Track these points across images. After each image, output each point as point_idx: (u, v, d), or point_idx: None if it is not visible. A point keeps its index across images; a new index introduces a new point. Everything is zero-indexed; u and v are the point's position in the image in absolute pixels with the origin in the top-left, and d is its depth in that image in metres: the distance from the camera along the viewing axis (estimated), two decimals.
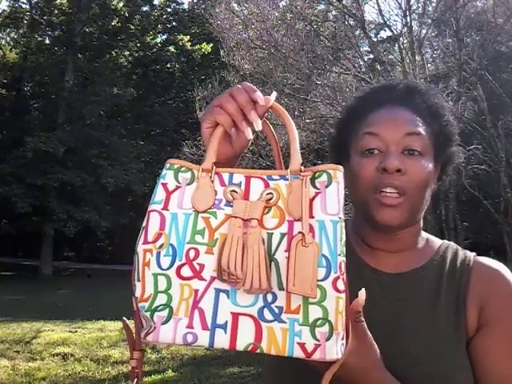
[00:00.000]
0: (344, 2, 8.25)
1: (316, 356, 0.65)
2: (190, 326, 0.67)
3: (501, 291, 0.92)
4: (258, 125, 0.74)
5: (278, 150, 0.79)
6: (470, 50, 7.47)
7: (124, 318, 0.72)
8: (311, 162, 8.46)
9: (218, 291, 0.67)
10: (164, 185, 0.73)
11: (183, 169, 0.74)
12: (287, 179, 0.71)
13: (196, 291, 0.68)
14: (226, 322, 0.66)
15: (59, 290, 15.34)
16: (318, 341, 0.65)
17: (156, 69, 25.97)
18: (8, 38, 25.14)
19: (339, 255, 0.67)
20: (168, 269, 0.69)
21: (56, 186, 20.08)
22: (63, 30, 23.40)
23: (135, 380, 0.72)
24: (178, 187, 0.73)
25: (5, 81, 23.85)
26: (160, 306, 0.68)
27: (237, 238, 0.67)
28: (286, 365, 0.84)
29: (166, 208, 0.72)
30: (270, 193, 0.71)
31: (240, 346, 0.66)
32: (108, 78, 22.84)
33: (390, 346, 0.78)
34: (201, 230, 0.70)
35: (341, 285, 0.66)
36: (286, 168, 0.73)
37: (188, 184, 0.73)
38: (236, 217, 0.68)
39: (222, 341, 0.66)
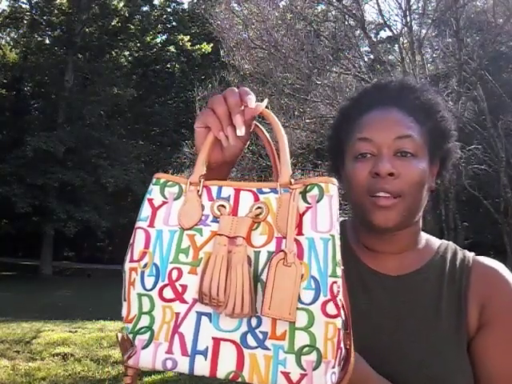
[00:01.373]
0: (344, 2, 8.25)
1: None
2: (169, 351, 0.64)
3: (501, 291, 0.92)
4: (241, 130, 0.71)
5: (275, 155, 0.76)
6: (469, 50, 7.48)
7: (118, 333, 0.69)
8: (311, 162, 8.47)
9: (199, 314, 0.65)
10: (150, 200, 0.71)
11: (170, 183, 0.71)
12: (277, 192, 0.67)
13: (177, 314, 0.65)
14: (207, 347, 0.63)
15: (59, 290, 15.34)
16: (305, 370, 0.61)
17: (156, 69, 25.97)
18: (8, 38, 25.13)
19: (330, 276, 0.62)
20: (151, 289, 0.66)
21: (56, 185, 20.07)
22: (63, 30, 23.39)
23: None
24: (164, 202, 0.70)
25: (5, 81, 23.84)
26: (142, 328, 0.66)
27: (221, 258, 0.63)
28: None
29: (151, 225, 0.69)
30: (260, 207, 0.67)
31: (221, 374, 0.63)
32: (108, 78, 22.83)
33: (393, 349, 0.79)
34: (185, 248, 0.67)
35: (331, 309, 0.61)
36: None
37: (175, 199, 0.70)
38: (221, 234, 0.65)
39: (202, 368, 0.63)
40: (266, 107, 0.73)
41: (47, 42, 24.34)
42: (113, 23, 24.14)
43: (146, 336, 0.66)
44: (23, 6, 24.14)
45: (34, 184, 19.23)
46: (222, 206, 0.68)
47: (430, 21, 7.93)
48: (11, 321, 8.78)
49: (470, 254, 0.99)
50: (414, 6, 7.98)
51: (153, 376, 5.81)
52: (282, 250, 0.63)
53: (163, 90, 25.17)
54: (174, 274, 0.66)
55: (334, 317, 0.61)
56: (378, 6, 8.09)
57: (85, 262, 25.31)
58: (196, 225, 0.68)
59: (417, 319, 0.91)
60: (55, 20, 23.41)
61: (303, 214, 0.66)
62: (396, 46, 8.94)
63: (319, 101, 7.56)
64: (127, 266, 0.68)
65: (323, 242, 0.64)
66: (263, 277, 0.63)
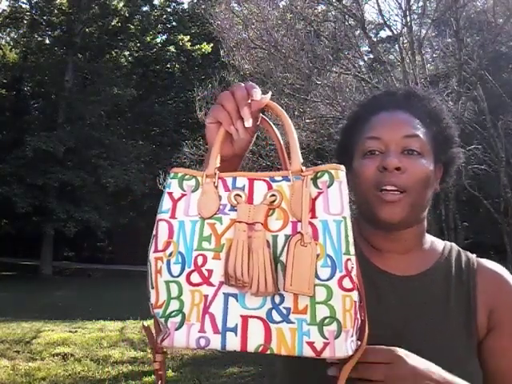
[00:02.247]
0: (344, 2, 8.25)
1: (326, 354, 0.67)
2: (202, 330, 0.69)
3: (508, 294, 0.95)
4: (249, 121, 0.75)
5: (282, 148, 0.79)
6: (469, 50, 7.47)
7: (143, 322, 0.75)
8: (311, 162, 8.45)
9: (226, 295, 0.70)
10: (170, 194, 0.75)
11: (187, 176, 0.76)
12: (289, 180, 0.72)
13: (206, 296, 0.70)
14: (236, 325, 0.68)
15: (59, 290, 15.33)
16: (327, 339, 0.67)
17: (156, 69, 25.96)
18: (8, 38, 25.11)
19: (344, 254, 0.68)
20: (178, 276, 0.71)
21: (56, 185, 20.07)
22: (63, 30, 23.38)
23: (159, 382, 0.76)
24: (183, 195, 0.75)
25: (5, 81, 23.83)
26: (173, 311, 0.71)
27: (242, 243, 0.68)
28: (303, 368, 0.87)
29: (173, 216, 0.74)
30: (273, 195, 0.72)
31: (251, 347, 0.68)
32: (108, 78, 22.81)
33: (403, 349, 0.79)
34: (207, 236, 0.72)
35: (347, 283, 0.67)
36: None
37: (193, 191, 0.75)
38: (240, 221, 0.70)
39: (233, 343, 0.68)
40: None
41: (47, 41, 24.32)
42: (113, 23, 24.13)
43: (178, 318, 0.70)
44: (23, 5, 24.15)
45: (34, 184, 19.22)
46: (238, 195, 0.72)
47: (429, 21, 7.92)
48: (11, 321, 8.79)
49: (473, 256, 1.01)
50: (414, 6, 7.98)
51: (153, 376, 5.81)
52: (299, 232, 0.68)
53: (163, 89, 25.16)
54: (200, 260, 0.71)
55: (350, 290, 0.67)
56: (378, 6, 8.08)
57: (85, 262, 25.30)
58: (215, 214, 0.72)
59: (425, 320, 0.92)
60: (55, 20, 23.40)
61: (315, 198, 0.71)
62: (396, 46, 8.94)
63: (319, 101, 7.56)
64: (152, 256, 0.73)
65: (336, 223, 0.69)
66: (282, 258, 0.69)
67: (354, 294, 0.67)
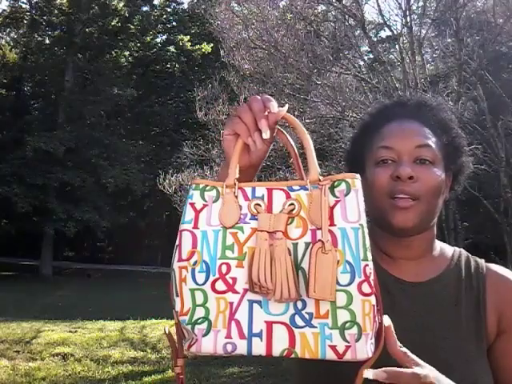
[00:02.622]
0: (344, 2, 8.24)
1: (347, 357, 0.70)
2: (228, 336, 0.72)
3: None
4: (267, 133, 0.78)
5: (298, 158, 0.83)
6: (470, 50, 7.46)
7: (166, 328, 0.78)
8: None
9: (251, 302, 0.72)
10: (192, 204, 0.77)
11: (208, 187, 0.78)
12: (307, 189, 0.75)
13: (231, 304, 0.72)
14: (261, 330, 0.71)
15: (59, 290, 15.33)
16: (348, 342, 0.70)
17: (156, 69, 25.96)
18: (8, 38, 25.10)
19: (362, 260, 0.71)
20: (203, 284, 0.73)
21: (56, 185, 20.07)
22: (63, 30, 23.37)
23: None
24: (205, 205, 0.77)
25: (5, 81, 23.82)
26: (199, 318, 0.73)
27: (264, 251, 0.71)
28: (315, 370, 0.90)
29: (196, 226, 0.76)
30: (292, 204, 0.74)
31: (276, 352, 0.71)
32: (108, 78, 22.81)
33: (420, 355, 0.80)
34: (230, 245, 0.74)
35: (366, 288, 0.70)
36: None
37: (214, 201, 0.77)
38: (261, 230, 0.72)
39: (259, 348, 0.71)
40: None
41: (47, 41, 24.32)
42: (113, 23, 24.11)
43: (204, 325, 0.72)
44: (23, 6, 24.16)
45: (34, 184, 19.22)
46: (258, 204, 0.75)
47: (429, 21, 7.92)
48: (11, 321, 8.79)
49: (482, 261, 1.04)
50: (414, 6, 7.98)
51: (153, 376, 5.82)
52: (320, 240, 0.71)
53: (163, 90, 25.15)
54: (224, 268, 0.73)
55: (369, 295, 0.70)
56: (378, 6, 8.08)
57: (85, 262, 25.30)
58: (237, 223, 0.75)
59: (439, 325, 0.95)
60: (55, 20, 23.39)
61: (333, 207, 0.74)
62: (396, 46, 8.93)
63: (319, 101, 7.56)
64: (176, 265, 0.75)
65: (354, 230, 0.72)
66: (303, 265, 0.72)
67: (373, 299, 0.70)
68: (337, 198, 0.74)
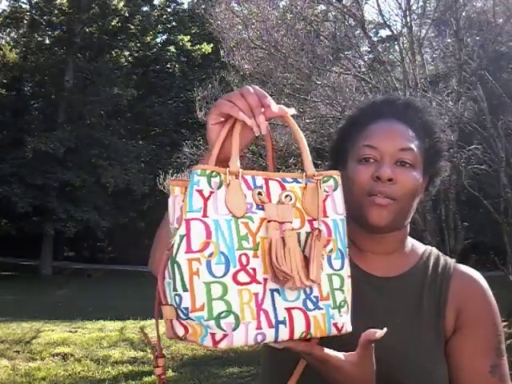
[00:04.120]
0: (344, 2, 8.24)
1: (343, 331, 0.79)
2: (259, 327, 0.72)
3: (477, 298, 1.02)
4: (263, 128, 0.77)
5: (273, 151, 0.86)
6: (470, 50, 7.46)
7: (141, 328, 0.77)
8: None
9: (272, 291, 0.74)
10: (200, 191, 0.72)
11: (214, 173, 0.74)
12: (300, 182, 0.79)
13: (256, 294, 0.73)
14: (285, 317, 0.74)
15: (59, 290, 15.33)
16: (344, 319, 0.79)
17: (156, 69, 25.96)
18: (8, 38, 25.07)
19: (347, 247, 0.82)
20: (223, 276, 0.70)
21: (56, 185, 20.07)
22: (63, 30, 23.39)
23: None
24: (211, 193, 0.73)
25: (5, 81, 23.82)
26: (222, 312, 0.70)
27: (275, 241, 0.73)
28: (284, 360, 0.92)
29: (205, 215, 0.72)
30: (288, 195, 0.77)
31: (296, 335, 0.75)
32: (108, 78, 22.81)
33: (380, 342, 0.84)
34: (244, 235, 0.73)
35: (349, 271, 0.82)
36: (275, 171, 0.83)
37: (218, 188, 0.74)
38: (271, 220, 0.74)
39: (284, 334, 0.74)
40: None
41: (47, 42, 24.32)
42: (113, 23, 24.12)
43: (231, 319, 0.70)
44: (23, 6, 24.15)
45: (34, 184, 19.23)
46: (260, 193, 0.76)
47: (429, 21, 7.91)
48: (11, 321, 8.78)
49: (452, 261, 1.08)
50: (414, 6, 7.96)
51: (153, 376, 5.81)
52: (317, 228, 0.77)
53: (163, 90, 25.15)
54: (243, 259, 0.73)
55: (349, 277, 0.82)
56: (378, 6, 8.06)
57: (85, 262, 25.26)
58: (246, 213, 0.74)
59: (400, 318, 0.99)
60: (55, 20, 23.40)
61: (324, 200, 0.80)
62: (396, 46, 8.93)
63: (319, 101, 7.55)
64: (183, 256, 0.70)
65: (341, 222, 0.81)
66: (305, 253, 0.76)
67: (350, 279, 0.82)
68: (327, 192, 0.80)
